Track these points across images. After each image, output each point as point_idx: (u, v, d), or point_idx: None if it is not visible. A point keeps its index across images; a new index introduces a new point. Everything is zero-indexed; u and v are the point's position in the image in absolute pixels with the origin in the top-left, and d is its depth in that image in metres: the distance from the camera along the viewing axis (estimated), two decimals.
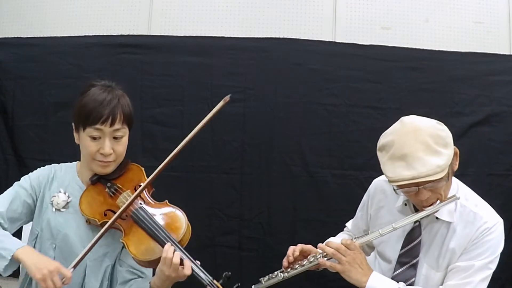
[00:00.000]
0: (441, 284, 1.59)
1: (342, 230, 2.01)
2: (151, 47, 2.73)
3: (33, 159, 2.69)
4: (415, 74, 2.64)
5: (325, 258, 1.60)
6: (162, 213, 1.55)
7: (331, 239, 1.91)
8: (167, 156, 2.72)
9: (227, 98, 1.51)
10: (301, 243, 1.71)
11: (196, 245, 2.63)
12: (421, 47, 2.68)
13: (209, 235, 2.65)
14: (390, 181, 1.51)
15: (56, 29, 2.83)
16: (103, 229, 1.46)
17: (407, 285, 1.59)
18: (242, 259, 2.64)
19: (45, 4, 2.88)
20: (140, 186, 1.57)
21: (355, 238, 1.65)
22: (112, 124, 1.51)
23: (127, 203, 1.49)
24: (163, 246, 1.44)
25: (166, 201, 1.61)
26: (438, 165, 1.43)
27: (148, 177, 1.57)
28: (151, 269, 1.57)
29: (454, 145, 1.52)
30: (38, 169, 1.66)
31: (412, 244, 1.63)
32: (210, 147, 2.68)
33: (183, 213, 1.55)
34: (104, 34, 2.80)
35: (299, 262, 1.65)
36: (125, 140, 1.58)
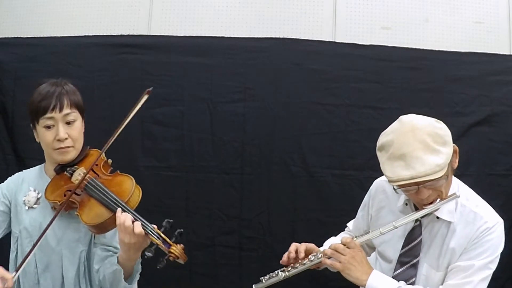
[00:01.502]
0: (442, 284, 1.59)
1: (342, 230, 2.01)
2: (151, 47, 2.73)
3: (33, 159, 2.67)
4: (415, 74, 2.64)
5: (326, 256, 1.60)
6: (112, 182, 1.61)
7: (332, 238, 1.92)
8: (167, 156, 2.74)
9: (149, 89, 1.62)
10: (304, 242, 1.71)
11: (196, 245, 2.67)
12: (421, 47, 2.68)
13: (209, 235, 2.65)
14: (389, 181, 1.51)
15: (56, 29, 2.83)
16: (59, 207, 1.54)
17: (407, 285, 1.59)
18: (242, 259, 2.64)
19: (45, 4, 2.88)
20: (97, 165, 1.64)
21: (355, 237, 1.65)
22: (61, 110, 1.59)
23: (80, 178, 1.57)
24: (110, 209, 1.51)
25: (117, 171, 1.67)
26: (437, 164, 1.43)
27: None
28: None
29: (455, 145, 1.51)
30: (8, 178, 1.74)
31: (413, 244, 1.63)
32: (210, 147, 2.68)
33: (132, 178, 1.60)
34: (104, 34, 2.80)
35: (300, 261, 1.64)
36: (78, 124, 1.64)
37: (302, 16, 2.77)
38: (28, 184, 1.68)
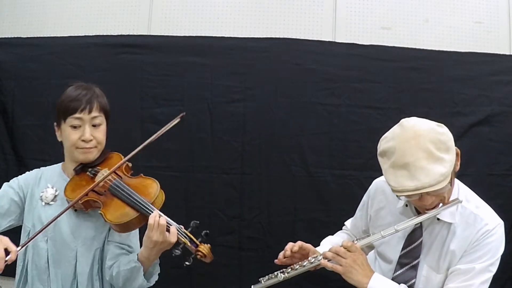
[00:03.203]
0: (442, 286, 1.59)
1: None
2: (151, 47, 2.73)
3: (33, 159, 2.69)
4: (415, 74, 2.64)
5: (326, 259, 1.60)
6: (137, 184, 1.66)
7: (329, 237, 1.91)
8: (167, 156, 2.74)
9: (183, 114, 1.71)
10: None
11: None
12: (421, 47, 2.68)
13: (209, 235, 2.64)
14: (393, 191, 1.49)
15: (56, 29, 2.83)
16: (75, 200, 1.57)
17: (407, 287, 1.59)
18: (242, 259, 2.64)
19: (45, 4, 2.88)
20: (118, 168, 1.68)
21: (356, 239, 1.65)
22: (90, 112, 1.63)
23: (103, 176, 1.61)
24: (136, 209, 1.55)
25: (141, 174, 1.72)
26: (442, 173, 1.42)
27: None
28: (138, 243, 1.68)
29: (455, 145, 1.51)
30: (27, 172, 1.78)
31: (413, 245, 1.63)
32: (210, 147, 2.68)
33: (157, 182, 1.67)
34: (104, 34, 2.80)
35: (299, 262, 1.64)
36: (103, 128, 1.69)
37: (302, 16, 2.77)
38: (46, 181, 1.70)
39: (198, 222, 1.56)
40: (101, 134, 1.67)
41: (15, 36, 2.84)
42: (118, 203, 1.58)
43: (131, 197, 1.58)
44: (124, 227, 1.57)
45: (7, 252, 1.43)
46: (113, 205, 1.58)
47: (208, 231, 1.56)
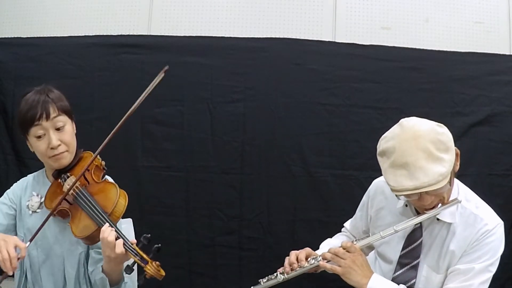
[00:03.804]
0: (442, 286, 1.59)
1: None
2: (151, 47, 2.73)
3: (33, 159, 2.64)
4: (415, 74, 2.64)
5: (325, 260, 1.60)
6: (99, 191, 1.61)
7: (328, 240, 1.91)
8: (167, 156, 2.74)
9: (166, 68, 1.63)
10: (301, 243, 1.71)
11: (196, 245, 2.67)
12: (421, 47, 2.68)
13: (209, 235, 2.65)
14: (392, 190, 1.49)
15: (56, 29, 2.83)
16: (48, 215, 1.55)
17: (407, 287, 1.59)
18: (242, 259, 2.64)
19: (45, 4, 2.88)
20: (88, 170, 1.64)
21: (355, 240, 1.65)
22: (47, 117, 1.58)
23: (69, 186, 1.58)
24: (95, 222, 1.51)
25: (106, 178, 1.68)
26: (441, 173, 1.42)
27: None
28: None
29: (454, 145, 1.51)
30: (14, 184, 1.76)
31: (413, 246, 1.63)
32: (210, 147, 2.68)
33: (117, 187, 1.60)
34: (104, 34, 2.80)
35: (299, 263, 1.64)
36: (68, 128, 1.63)
37: (302, 16, 2.77)
38: (31, 189, 1.70)
39: (149, 235, 1.48)
40: (67, 136, 1.62)
41: (15, 36, 2.84)
42: (83, 215, 1.55)
43: (91, 208, 1.53)
44: (89, 240, 1.54)
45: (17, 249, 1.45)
46: (78, 216, 1.56)
47: (159, 245, 1.47)
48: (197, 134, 2.69)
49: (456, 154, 1.51)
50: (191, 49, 2.72)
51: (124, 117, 1.61)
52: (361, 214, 1.86)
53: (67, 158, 1.63)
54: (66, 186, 1.60)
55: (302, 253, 1.65)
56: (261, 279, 1.65)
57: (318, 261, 1.60)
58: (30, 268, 1.64)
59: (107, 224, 1.48)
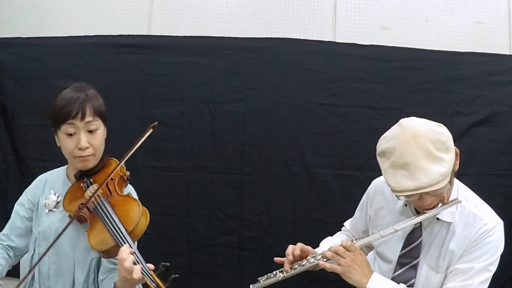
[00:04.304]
0: (441, 286, 1.59)
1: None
2: (151, 47, 2.73)
3: (33, 159, 2.69)
4: (415, 74, 2.64)
5: (325, 259, 1.60)
6: (121, 206, 1.58)
7: (328, 238, 1.91)
8: (167, 156, 2.74)
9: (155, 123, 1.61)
10: (301, 243, 1.71)
11: (196, 245, 2.67)
12: (421, 47, 2.68)
13: (209, 235, 2.65)
14: (393, 191, 1.49)
15: (56, 29, 2.83)
16: (69, 221, 1.53)
17: (407, 286, 1.59)
18: (242, 259, 2.64)
19: (44, 4, 2.88)
20: (112, 180, 1.63)
21: (355, 239, 1.65)
22: (83, 118, 1.56)
23: (91, 194, 1.56)
24: (114, 238, 1.48)
25: (129, 193, 1.65)
26: (441, 173, 1.42)
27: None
28: None
29: (454, 145, 1.51)
30: (32, 182, 1.74)
31: (413, 245, 1.63)
32: (210, 147, 2.68)
33: (140, 204, 1.57)
34: (104, 34, 2.80)
35: (298, 262, 1.64)
36: (100, 133, 1.62)
37: (302, 16, 2.77)
38: (50, 187, 1.68)
39: (168, 264, 1.46)
40: (98, 140, 1.61)
41: (15, 36, 2.84)
42: (101, 227, 1.52)
43: (111, 223, 1.50)
44: (104, 254, 1.52)
45: None
46: (97, 227, 1.53)
47: (176, 276, 1.45)
48: (197, 134, 2.69)
49: (456, 154, 1.51)
50: (191, 49, 2.72)
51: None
52: (361, 214, 1.86)
53: (92, 162, 1.62)
54: (88, 193, 1.59)
55: (297, 249, 1.66)
56: (260, 277, 1.65)
57: (318, 260, 1.60)
58: (39, 267, 1.63)
59: (126, 245, 1.45)
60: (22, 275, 1.71)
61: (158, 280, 1.43)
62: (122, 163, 1.61)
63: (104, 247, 1.49)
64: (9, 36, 2.84)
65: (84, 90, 1.61)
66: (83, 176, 1.64)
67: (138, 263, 1.43)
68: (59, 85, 2.72)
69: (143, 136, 1.61)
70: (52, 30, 2.84)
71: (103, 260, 1.60)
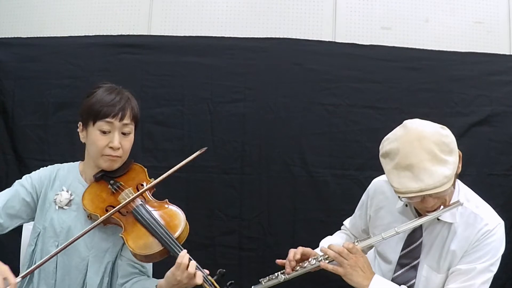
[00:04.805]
0: (442, 287, 1.59)
1: None
2: (151, 47, 2.73)
3: (33, 159, 2.68)
4: (415, 74, 2.64)
5: (327, 261, 1.60)
6: (162, 211, 1.60)
7: (328, 238, 1.91)
8: (167, 156, 2.73)
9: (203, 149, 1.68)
10: (301, 243, 1.72)
11: (196, 245, 2.66)
12: (421, 47, 2.68)
13: (209, 235, 2.65)
14: (396, 192, 1.49)
15: (56, 29, 2.83)
16: (98, 221, 1.52)
17: (407, 287, 1.59)
18: (242, 259, 2.64)
19: (44, 4, 2.88)
20: (142, 185, 1.64)
21: (357, 241, 1.65)
22: (122, 119, 1.58)
23: (129, 199, 1.56)
24: (161, 242, 1.49)
25: (166, 200, 1.66)
26: (445, 175, 1.42)
27: (150, 177, 1.67)
28: (151, 264, 1.63)
29: None
30: (41, 168, 1.71)
31: (413, 246, 1.63)
32: (210, 147, 2.67)
33: (182, 212, 1.61)
34: (104, 34, 2.80)
35: (300, 264, 1.64)
36: (131, 137, 1.65)
37: (302, 16, 2.77)
38: (60, 183, 1.65)
39: (224, 270, 1.51)
40: (129, 143, 1.63)
41: (15, 36, 2.84)
42: (142, 231, 1.52)
43: (157, 228, 1.51)
44: (146, 258, 1.52)
45: (4, 282, 1.38)
46: (135, 231, 1.52)
47: (233, 282, 1.51)
48: (197, 134, 2.68)
49: (459, 156, 1.50)
50: (191, 49, 2.71)
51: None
52: (360, 213, 1.86)
53: (118, 163, 1.63)
54: (124, 196, 1.58)
55: (298, 253, 1.66)
56: (262, 279, 1.65)
57: (319, 261, 1.61)
58: (38, 271, 1.58)
59: (185, 250, 1.46)
60: (22, 269, 1.67)
61: (216, 284, 1.47)
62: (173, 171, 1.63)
63: (149, 251, 1.49)
64: (9, 36, 2.84)
65: (124, 93, 1.64)
66: (105, 177, 1.63)
67: (199, 270, 1.45)
68: (59, 85, 2.75)
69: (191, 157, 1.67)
70: (52, 30, 2.83)
71: (123, 264, 1.59)
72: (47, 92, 2.71)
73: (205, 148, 1.69)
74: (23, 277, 1.46)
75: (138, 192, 1.58)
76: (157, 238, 1.50)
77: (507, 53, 2.70)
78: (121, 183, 1.64)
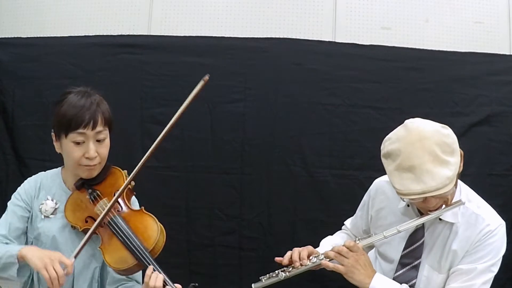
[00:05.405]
0: (443, 286, 1.59)
1: None
2: (151, 47, 2.73)
3: (33, 159, 2.68)
4: (415, 74, 2.64)
5: (328, 259, 1.60)
6: (136, 222, 1.57)
7: (328, 237, 1.91)
8: (167, 156, 2.72)
9: (206, 77, 1.60)
10: (301, 243, 1.71)
11: (196, 245, 2.67)
12: (421, 47, 2.68)
13: (209, 235, 2.65)
14: (398, 193, 1.49)
15: (56, 29, 2.83)
16: (86, 237, 1.51)
17: (409, 286, 1.59)
18: (242, 259, 2.64)
19: (44, 4, 2.87)
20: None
21: (358, 239, 1.65)
22: (94, 127, 1.54)
23: (104, 212, 1.53)
24: (135, 257, 1.48)
25: (142, 208, 1.64)
26: (448, 177, 1.41)
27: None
28: (140, 271, 1.60)
29: None
30: (25, 181, 1.70)
31: (415, 245, 1.63)
32: (210, 147, 2.68)
33: (157, 221, 1.57)
34: (104, 34, 2.79)
35: (301, 262, 1.64)
36: (107, 142, 1.61)
37: (302, 16, 2.77)
38: (45, 192, 1.64)
39: (197, 284, 1.47)
40: (105, 149, 1.59)
41: (15, 36, 2.84)
42: (117, 244, 1.51)
43: (130, 242, 1.50)
44: (125, 272, 1.51)
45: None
46: (112, 244, 1.52)
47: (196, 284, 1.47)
48: (197, 134, 2.68)
49: (461, 155, 1.50)
50: (191, 49, 2.71)
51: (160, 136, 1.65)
52: (362, 214, 1.86)
53: (97, 170, 1.61)
54: (99, 208, 1.56)
55: (304, 251, 1.65)
56: (262, 277, 1.65)
57: (320, 260, 1.61)
58: (38, 273, 1.58)
59: (151, 267, 1.45)
60: (21, 279, 1.65)
61: None
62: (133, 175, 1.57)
63: (124, 265, 1.48)
64: (9, 36, 2.84)
65: (93, 97, 1.59)
66: (85, 185, 1.62)
67: (168, 285, 1.43)
68: (59, 85, 2.75)
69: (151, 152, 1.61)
70: (52, 30, 2.83)
71: (111, 270, 1.57)
72: (47, 92, 2.71)
73: (207, 75, 1.61)
74: (75, 256, 1.48)
75: (110, 203, 1.53)
76: (130, 252, 1.49)
77: (507, 53, 2.70)
78: (98, 192, 1.61)
